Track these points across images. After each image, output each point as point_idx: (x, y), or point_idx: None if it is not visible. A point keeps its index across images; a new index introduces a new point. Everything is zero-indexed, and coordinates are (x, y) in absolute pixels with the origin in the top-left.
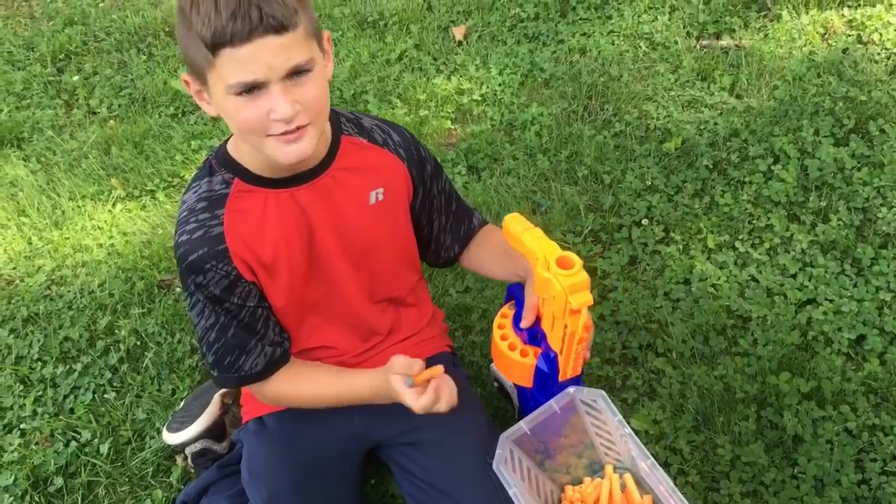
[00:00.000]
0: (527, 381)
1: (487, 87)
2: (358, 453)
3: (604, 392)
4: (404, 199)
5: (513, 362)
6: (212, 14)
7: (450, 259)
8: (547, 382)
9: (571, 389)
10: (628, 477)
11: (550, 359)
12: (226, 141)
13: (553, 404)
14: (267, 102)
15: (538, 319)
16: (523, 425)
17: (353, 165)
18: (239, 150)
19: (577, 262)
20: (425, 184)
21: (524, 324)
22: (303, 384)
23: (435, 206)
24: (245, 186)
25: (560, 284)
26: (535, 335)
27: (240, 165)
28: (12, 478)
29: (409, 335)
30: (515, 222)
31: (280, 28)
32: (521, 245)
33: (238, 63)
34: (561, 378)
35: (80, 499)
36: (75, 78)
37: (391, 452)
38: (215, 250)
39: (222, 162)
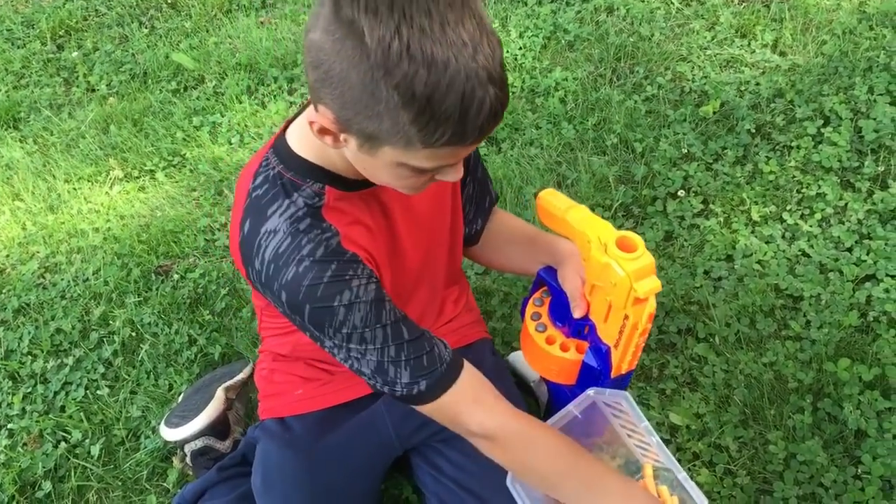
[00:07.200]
0: (569, 379)
1: (507, 51)
2: (385, 466)
3: (627, 394)
4: None
5: (552, 358)
6: (464, 119)
7: (471, 237)
8: (596, 379)
9: (591, 391)
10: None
11: (602, 353)
12: (282, 150)
13: (572, 409)
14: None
15: None
16: None
17: None
18: (329, 158)
19: (640, 242)
20: None
21: (577, 314)
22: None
23: (470, 167)
24: (338, 193)
25: (624, 270)
26: (580, 327)
27: (330, 173)
28: None
29: (451, 318)
30: (554, 198)
31: None
32: (564, 225)
33: (447, 157)
34: (614, 374)
35: None
36: (75, 54)
37: (418, 449)
38: (345, 260)
39: (305, 173)
